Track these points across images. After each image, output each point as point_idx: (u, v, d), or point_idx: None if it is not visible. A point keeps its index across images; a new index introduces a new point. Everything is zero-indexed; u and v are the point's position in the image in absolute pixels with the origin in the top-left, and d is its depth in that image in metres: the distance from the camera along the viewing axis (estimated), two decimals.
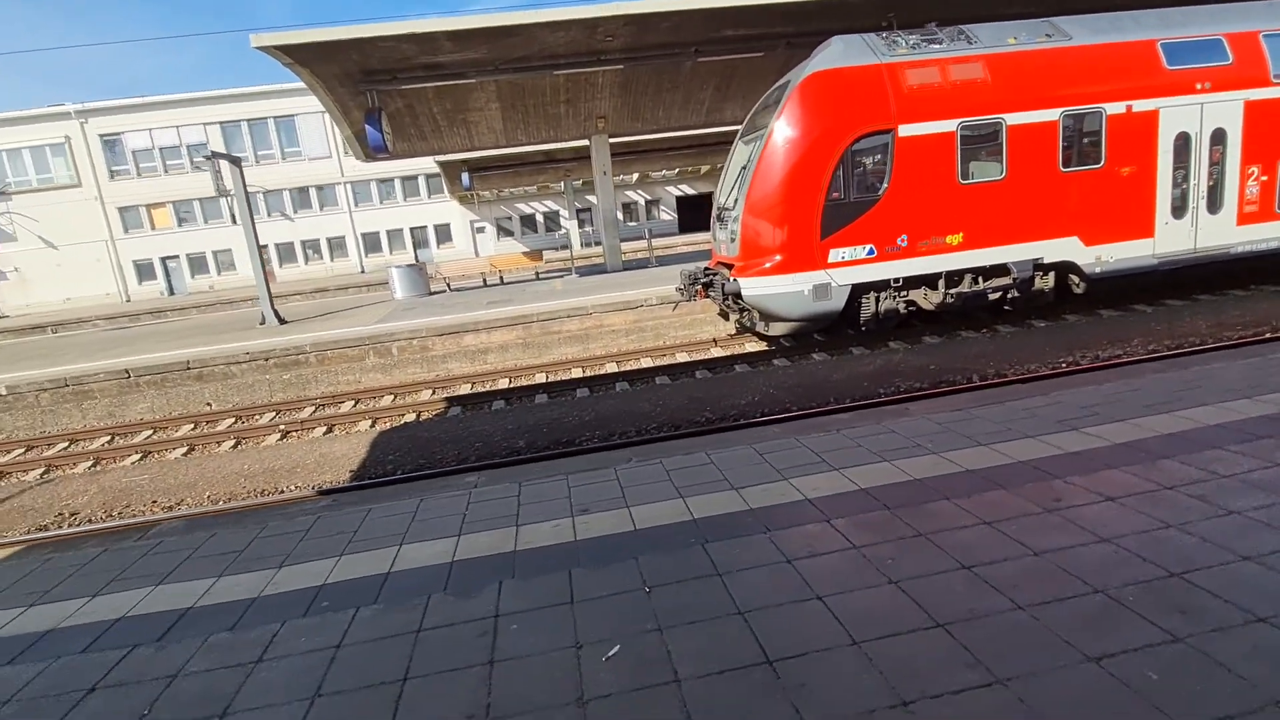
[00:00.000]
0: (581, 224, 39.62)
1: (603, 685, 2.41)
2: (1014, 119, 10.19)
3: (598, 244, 36.32)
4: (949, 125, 10.03)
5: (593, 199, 39.76)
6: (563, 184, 34.50)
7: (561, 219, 41.02)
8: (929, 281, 10.70)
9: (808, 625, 2.61)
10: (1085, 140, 10.49)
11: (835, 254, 10.15)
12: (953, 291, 10.77)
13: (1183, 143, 10.74)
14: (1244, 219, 11.14)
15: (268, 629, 3.08)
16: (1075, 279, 11.16)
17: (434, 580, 3.36)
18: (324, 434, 9.75)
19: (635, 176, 39.15)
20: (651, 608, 2.86)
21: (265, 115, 37.26)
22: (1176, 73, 10.57)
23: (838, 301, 10.38)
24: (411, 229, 40.38)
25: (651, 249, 22.14)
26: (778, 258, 10.20)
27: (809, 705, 2.18)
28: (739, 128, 12.51)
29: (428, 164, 34.30)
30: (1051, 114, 10.26)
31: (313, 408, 11.06)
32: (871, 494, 3.71)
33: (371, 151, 14.52)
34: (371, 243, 40.23)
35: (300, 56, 11.79)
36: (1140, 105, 10.48)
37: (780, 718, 2.15)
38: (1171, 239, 10.99)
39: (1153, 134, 10.58)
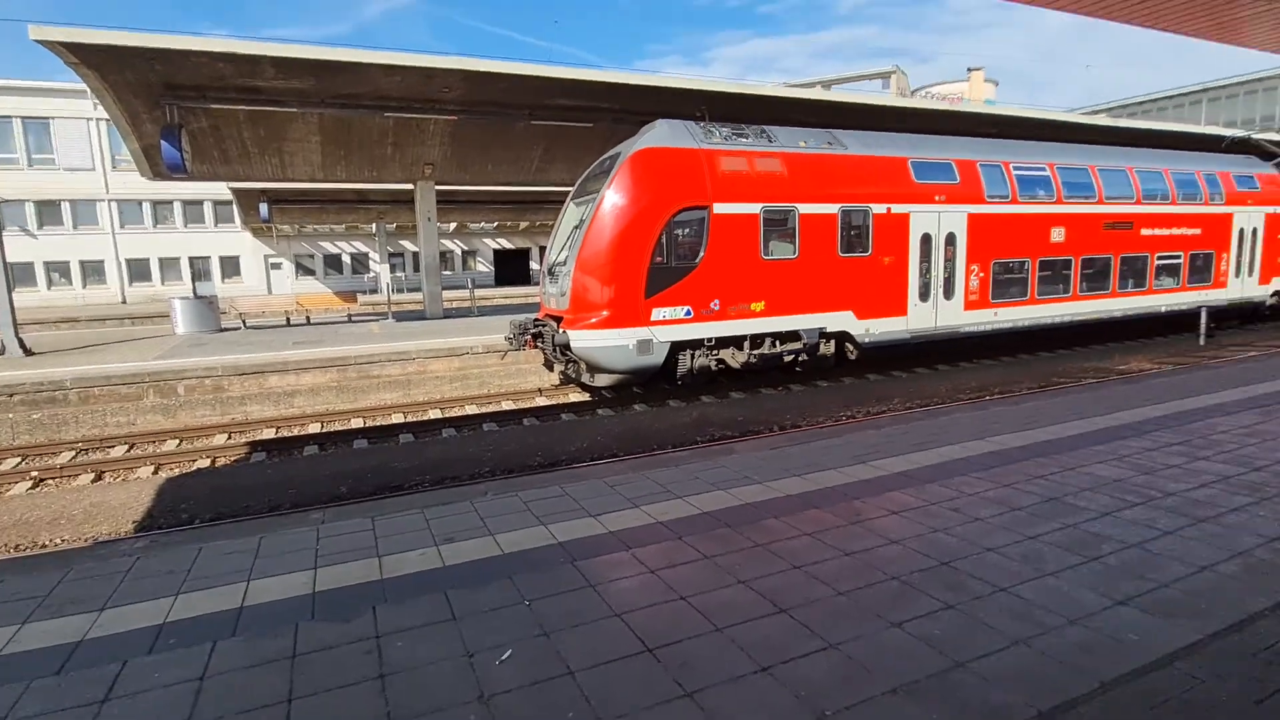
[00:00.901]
0: (393, 269, 38.13)
1: (501, 683, 2.60)
2: (805, 209, 11.97)
3: (412, 290, 35.17)
4: (754, 208, 11.53)
5: (406, 244, 38.56)
6: (375, 225, 33.13)
7: (371, 262, 39.14)
8: (736, 342, 11.99)
9: (677, 620, 3.00)
10: (858, 232, 12.59)
11: (657, 313, 11.05)
12: (756, 353, 12.15)
13: (926, 241, 13.28)
14: (969, 305, 13.93)
15: (106, 669, 2.81)
16: (850, 347, 13.14)
17: (298, 610, 3.27)
18: (93, 481, 8.47)
19: (453, 226, 38.75)
20: (534, 618, 3.08)
21: (10, 114, 31.70)
22: (922, 185, 13.15)
23: (658, 356, 11.24)
24: (192, 258, 36.07)
25: (474, 298, 22.04)
26: (605, 313, 10.86)
27: (689, 678, 2.57)
28: (564, 189, 13.27)
29: (217, 188, 31.26)
30: (832, 208, 12.21)
31: (72, 452, 9.54)
32: (714, 516, 4.26)
33: (166, 170, 13.14)
34: (139, 270, 35.24)
35: (90, 58, 10.55)
36: (897, 208, 12.85)
37: (668, 690, 2.50)
38: (919, 318, 13.41)
39: (905, 232, 12.98)
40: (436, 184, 18.69)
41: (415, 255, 35.00)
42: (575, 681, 2.59)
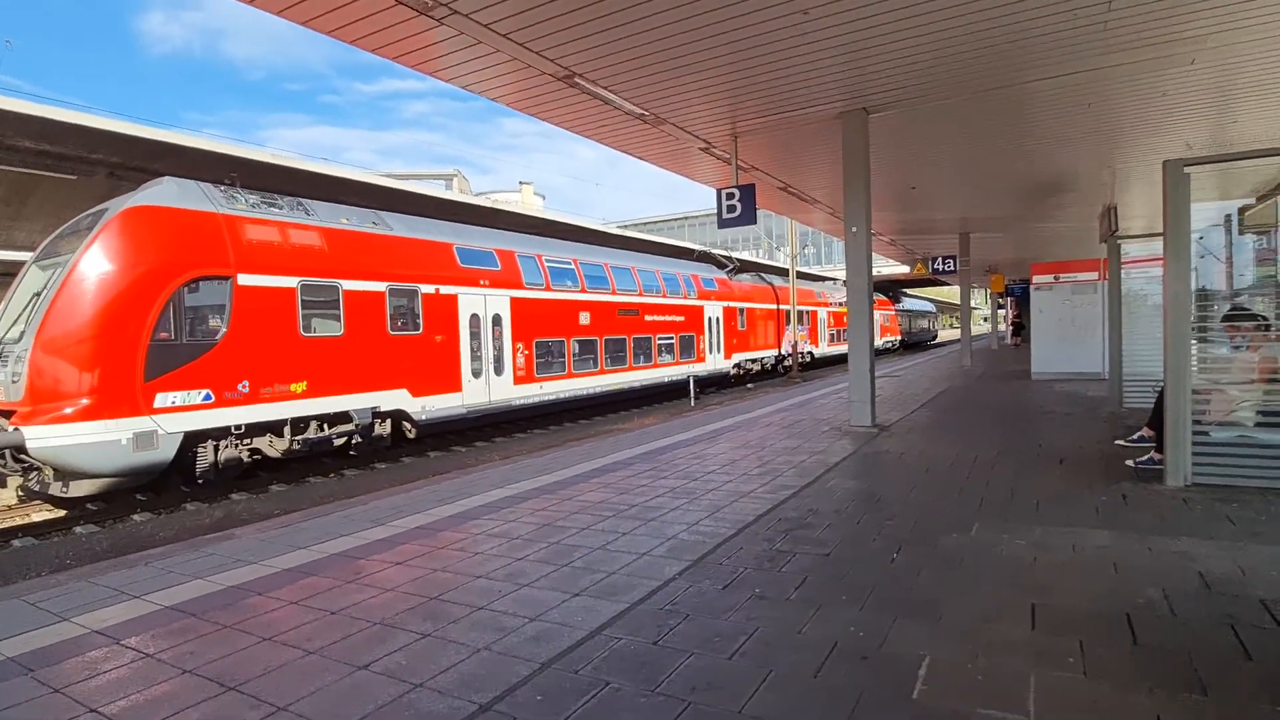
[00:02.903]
0: None
1: None
2: (349, 285, 11.63)
3: None
4: (290, 281, 10.73)
5: None
6: None
7: None
8: (274, 428, 10.74)
9: None
10: (407, 310, 12.71)
11: (164, 398, 9.27)
12: (299, 438, 11.05)
13: (475, 321, 14.12)
14: (518, 380, 15.15)
15: None
16: (408, 425, 12.96)
17: None
18: None
19: None
20: None
21: None
22: (467, 270, 14.04)
23: (166, 451, 9.36)
24: None
25: None
26: (85, 401, 8.67)
27: None
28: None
29: None
30: (380, 285, 12.13)
31: None
32: (177, 609, 3.54)
33: None
34: None
35: None
36: (445, 289, 13.42)
37: None
38: (474, 393, 14.04)
39: (454, 312, 13.60)
40: None
41: None
42: None
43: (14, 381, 8.74)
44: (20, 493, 10.29)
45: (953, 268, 19.81)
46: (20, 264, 11.20)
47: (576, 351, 16.97)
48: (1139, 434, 6.14)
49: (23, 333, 8.84)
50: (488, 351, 14.41)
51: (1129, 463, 5.57)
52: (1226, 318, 5.32)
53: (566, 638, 2.89)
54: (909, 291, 60.82)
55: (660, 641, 2.82)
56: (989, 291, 36.13)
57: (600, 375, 17.76)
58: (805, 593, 3.27)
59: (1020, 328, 31.88)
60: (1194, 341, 4.87)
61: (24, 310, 9.15)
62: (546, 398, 15.97)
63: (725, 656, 2.65)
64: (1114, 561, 3.47)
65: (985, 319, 63.67)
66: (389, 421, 12.56)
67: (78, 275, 8.82)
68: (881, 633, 2.79)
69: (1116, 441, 6.49)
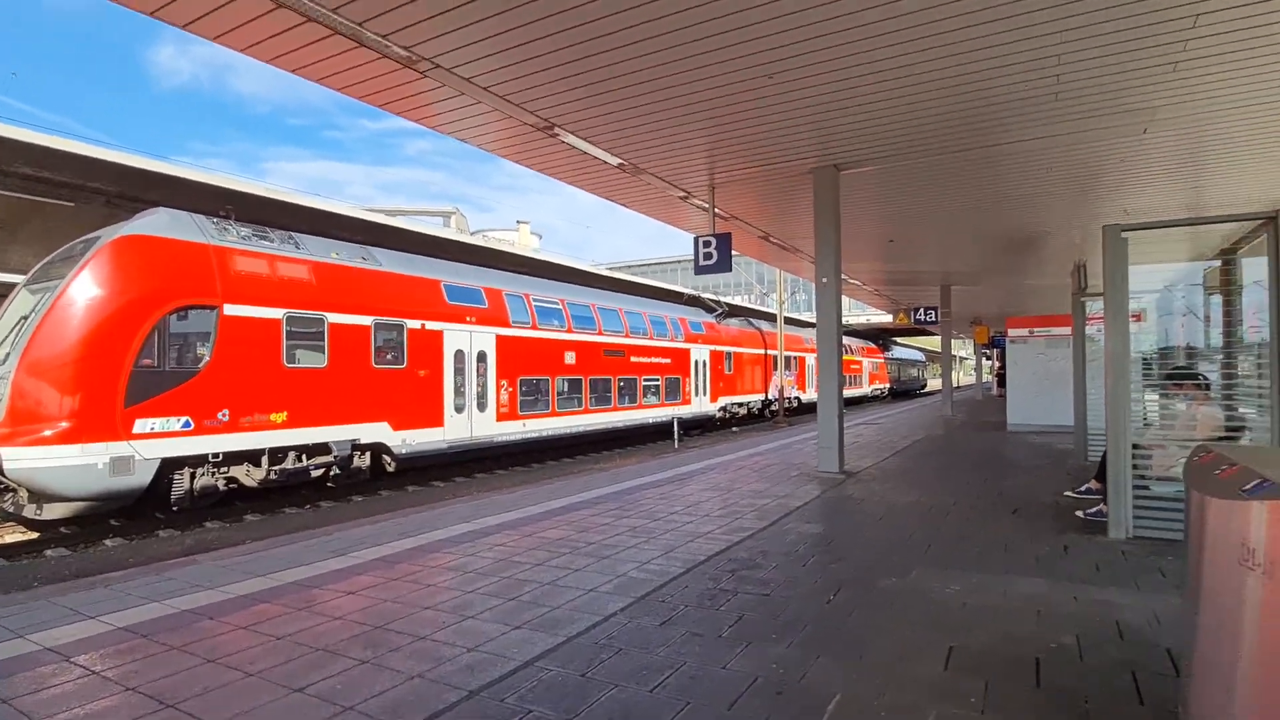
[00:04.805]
0: None
1: None
2: (335, 318, 11.81)
3: None
4: (276, 313, 10.91)
5: None
6: None
7: None
8: (252, 458, 10.79)
9: None
10: (392, 345, 12.88)
11: (143, 424, 9.35)
12: (277, 468, 11.09)
13: (460, 357, 14.29)
14: (501, 417, 15.25)
15: None
16: (388, 458, 13.00)
17: None
18: None
19: None
20: None
21: None
22: (454, 306, 14.26)
23: (143, 477, 9.40)
24: None
25: None
26: (64, 424, 8.75)
27: None
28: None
29: None
30: (366, 319, 12.32)
31: None
32: (128, 630, 3.62)
33: None
34: None
35: None
36: (431, 325, 13.62)
37: None
38: (456, 429, 14.12)
39: (440, 348, 13.78)
40: None
41: None
42: None
43: None
44: None
45: (934, 319, 20.17)
46: (13, 285, 11.39)
47: (561, 390, 17.12)
48: (1086, 486, 6.30)
49: (7, 355, 8.96)
50: (471, 388, 14.55)
51: (1079, 514, 5.72)
52: (1169, 376, 5.55)
53: (499, 668, 2.99)
54: (900, 340, 61.40)
55: (589, 674, 2.92)
56: (975, 342, 36.57)
57: (584, 414, 17.87)
58: (738, 630, 3.38)
59: (1005, 379, 32.30)
60: (1136, 398, 5.07)
61: (10, 333, 9.28)
62: (529, 435, 16.05)
63: (648, 689, 2.76)
64: (1038, 609, 3.60)
65: (974, 369, 64.19)
66: (368, 454, 12.61)
67: (65, 300, 8.98)
68: (803, 669, 2.91)
69: (1065, 493, 6.66)
